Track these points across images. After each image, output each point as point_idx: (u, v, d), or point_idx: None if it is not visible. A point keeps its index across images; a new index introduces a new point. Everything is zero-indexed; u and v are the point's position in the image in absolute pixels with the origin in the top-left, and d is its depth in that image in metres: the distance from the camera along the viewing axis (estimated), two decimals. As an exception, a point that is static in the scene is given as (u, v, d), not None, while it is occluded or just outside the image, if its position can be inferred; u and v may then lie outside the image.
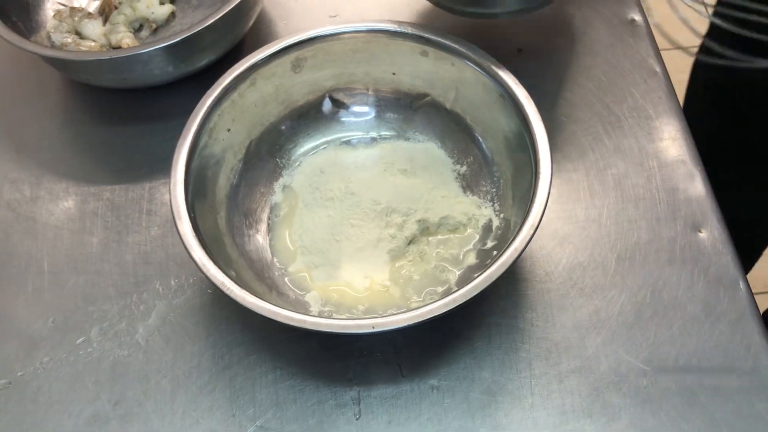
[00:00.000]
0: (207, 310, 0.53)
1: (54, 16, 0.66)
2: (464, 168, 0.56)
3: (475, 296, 0.44)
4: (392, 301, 0.51)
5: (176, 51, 0.58)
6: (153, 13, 0.66)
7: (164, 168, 0.60)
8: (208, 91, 0.52)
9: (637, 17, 0.66)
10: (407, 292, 0.52)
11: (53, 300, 0.54)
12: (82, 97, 0.65)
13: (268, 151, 0.57)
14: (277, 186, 0.57)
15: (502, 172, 0.54)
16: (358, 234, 0.54)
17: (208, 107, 0.52)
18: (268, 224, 0.55)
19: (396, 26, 0.54)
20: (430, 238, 0.53)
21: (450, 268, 0.52)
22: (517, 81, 0.51)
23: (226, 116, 0.53)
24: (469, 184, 0.55)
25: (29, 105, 0.65)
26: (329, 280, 0.52)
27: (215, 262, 0.46)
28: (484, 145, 0.55)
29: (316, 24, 0.56)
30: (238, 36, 0.63)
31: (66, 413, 0.49)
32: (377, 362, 0.50)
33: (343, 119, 0.59)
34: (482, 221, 0.54)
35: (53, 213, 0.58)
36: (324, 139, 0.58)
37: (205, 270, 0.45)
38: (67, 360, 0.52)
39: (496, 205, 0.54)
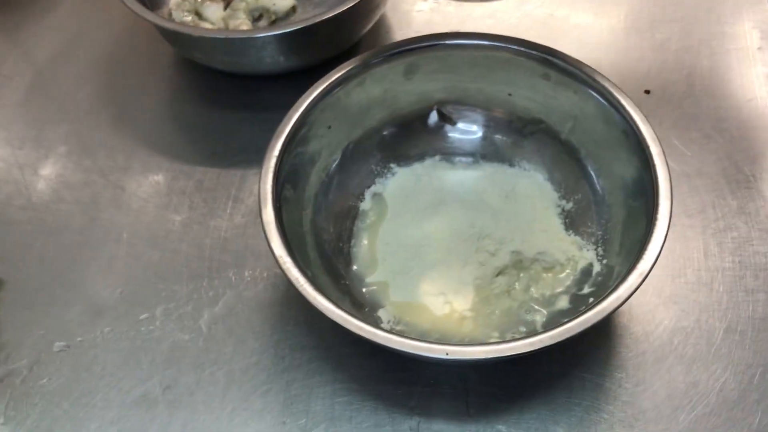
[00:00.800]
0: (276, 308, 0.50)
1: (178, -6, 0.66)
2: (570, 204, 0.52)
3: (563, 341, 0.39)
4: (469, 333, 0.47)
5: (290, 41, 0.57)
6: (274, 4, 0.66)
7: (260, 158, 0.57)
8: (316, 84, 0.50)
9: (782, 76, 0.61)
10: (487, 326, 0.48)
11: (126, 271, 0.53)
12: (191, 76, 0.65)
13: (365, 155, 0.54)
14: (368, 193, 0.54)
15: (613, 214, 0.49)
16: (445, 255, 0.50)
17: (312, 99, 0.50)
18: (353, 230, 0.52)
19: (519, 44, 0.51)
20: (521, 273, 0.49)
21: (538, 308, 0.48)
22: (645, 119, 0.47)
23: (329, 113, 0.51)
24: (573, 223, 0.51)
25: (139, 77, 0.65)
26: (406, 299, 0.49)
27: (293, 258, 0.43)
28: (597, 184, 0.51)
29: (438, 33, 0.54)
30: (354, 37, 0.61)
31: (116, 388, 0.48)
32: (444, 395, 0.46)
33: (447, 135, 0.56)
34: (582, 264, 0.49)
35: (142, 185, 0.57)
36: (424, 153, 0.56)
37: (281, 262, 0.43)
38: (128, 334, 0.50)
39: (599, 249, 0.49)
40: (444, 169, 0.55)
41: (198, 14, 0.65)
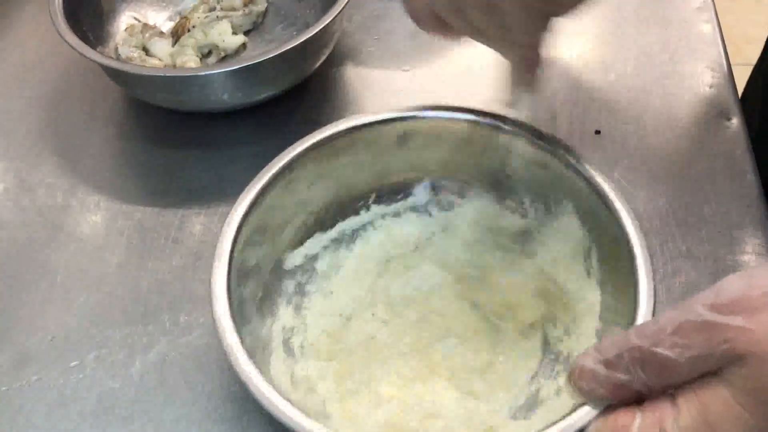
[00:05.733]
0: (211, 355, 0.49)
1: (125, 29, 0.65)
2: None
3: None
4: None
5: (233, 79, 0.56)
6: (224, 41, 0.65)
7: (202, 197, 0.57)
8: (304, 138, 0.47)
9: (735, 118, 0.60)
10: None
11: (58, 316, 0.51)
12: (137, 113, 0.63)
13: (342, 217, 0.51)
14: (337, 254, 0.51)
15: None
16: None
17: (298, 154, 0.46)
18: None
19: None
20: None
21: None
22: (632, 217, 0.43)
23: (312, 168, 0.48)
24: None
25: (83, 113, 0.63)
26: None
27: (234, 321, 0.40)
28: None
29: (387, 73, 0.52)
30: (302, 74, 0.60)
31: (41, 441, 0.46)
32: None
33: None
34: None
35: (80, 225, 0.56)
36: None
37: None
38: (56, 382, 0.48)
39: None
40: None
41: (145, 50, 0.64)
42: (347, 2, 0.58)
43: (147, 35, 0.64)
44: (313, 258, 0.50)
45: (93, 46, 0.59)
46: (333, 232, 0.51)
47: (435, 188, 0.52)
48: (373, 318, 0.49)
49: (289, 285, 0.49)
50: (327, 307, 0.50)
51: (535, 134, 0.47)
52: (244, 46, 0.66)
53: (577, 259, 0.47)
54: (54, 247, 0.55)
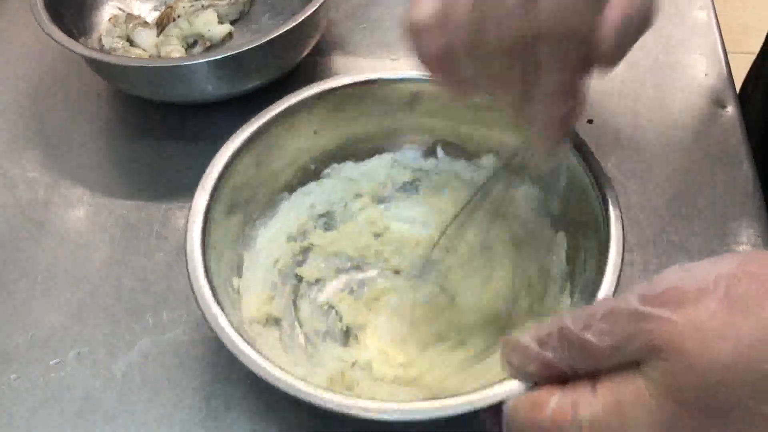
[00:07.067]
0: (194, 353, 0.48)
1: (109, 20, 0.64)
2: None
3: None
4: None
5: (218, 69, 0.54)
6: (209, 30, 0.64)
7: (186, 191, 0.55)
8: (314, 84, 0.47)
9: (730, 106, 0.59)
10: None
11: (39, 314, 0.50)
12: (121, 106, 0.62)
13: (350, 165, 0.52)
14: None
15: None
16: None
17: (309, 97, 0.47)
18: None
19: None
20: None
21: None
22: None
23: (320, 114, 0.48)
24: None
25: (67, 106, 0.62)
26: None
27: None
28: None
29: (375, 62, 0.51)
30: (289, 64, 0.59)
31: (22, 441, 0.45)
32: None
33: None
34: None
35: (62, 220, 0.55)
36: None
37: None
38: (37, 382, 0.47)
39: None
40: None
41: (129, 41, 0.63)
42: (333, -10, 0.57)
43: (131, 25, 0.63)
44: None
45: (76, 38, 0.58)
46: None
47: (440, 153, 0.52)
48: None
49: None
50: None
51: None
52: (230, 35, 0.65)
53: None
54: (35, 244, 0.54)
